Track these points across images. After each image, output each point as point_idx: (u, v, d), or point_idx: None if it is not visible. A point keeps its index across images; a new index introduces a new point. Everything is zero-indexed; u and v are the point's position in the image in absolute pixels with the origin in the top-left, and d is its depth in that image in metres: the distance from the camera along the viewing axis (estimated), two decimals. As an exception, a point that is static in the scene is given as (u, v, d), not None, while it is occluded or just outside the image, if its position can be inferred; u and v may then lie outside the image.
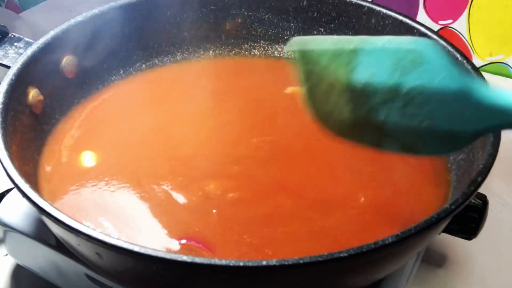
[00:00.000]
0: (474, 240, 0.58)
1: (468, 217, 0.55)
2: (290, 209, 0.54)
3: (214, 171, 0.58)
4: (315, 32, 0.75)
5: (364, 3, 0.70)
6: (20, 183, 0.46)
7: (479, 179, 0.47)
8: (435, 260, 0.64)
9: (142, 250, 0.39)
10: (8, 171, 0.47)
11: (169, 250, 0.49)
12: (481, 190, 0.47)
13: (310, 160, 0.60)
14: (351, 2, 0.71)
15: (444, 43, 0.62)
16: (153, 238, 0.51)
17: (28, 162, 0.57)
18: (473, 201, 0.54)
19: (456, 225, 0.54)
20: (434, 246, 0.64)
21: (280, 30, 0.76)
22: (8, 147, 0.50)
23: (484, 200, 0.56)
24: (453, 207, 0.44)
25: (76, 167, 0.59)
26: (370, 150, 0.48)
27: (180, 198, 0.54)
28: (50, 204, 0.43)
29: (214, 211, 0.53)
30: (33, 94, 0.60)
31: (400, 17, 0.67)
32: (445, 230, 0.54)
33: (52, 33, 0.64)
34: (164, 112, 0.66)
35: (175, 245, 0.50)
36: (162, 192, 0.55)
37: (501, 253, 0.65)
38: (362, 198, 0.56)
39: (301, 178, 0.58)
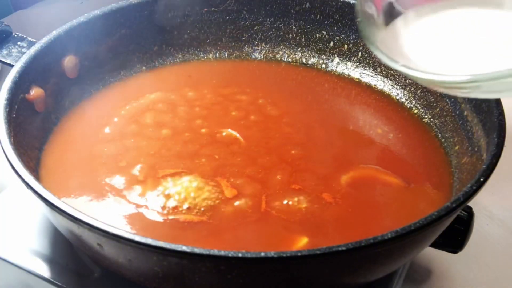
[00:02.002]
0: (459, 253, 0.56)
1: (453, 230, 0.54)
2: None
3: (215, 170, 0.58)
4: (317, 35, 0.75)
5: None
6: (28, 179, 0.46)
7: (482, 179, 0.47)
8: (420, 275, 0.61)
9: (143, 240, 0.39)
10: (15, 166, 0.48)
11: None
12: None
13: (306, 163, 0.60)
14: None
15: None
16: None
17: (30, 159, 0.57)
18: (458, 213, 0.52)
19: (441, 238, 0.52)
20: (418, 260, 0.62)
21: (282, 33, 0.76)
22: (12, 143, 0.51)
23: (469, 212, 0.55)
24: (454, 205, 0.44)
25: (77, 165, 0.59)
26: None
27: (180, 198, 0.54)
28: (58, 198, 0.44)
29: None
30: (35, 92, 0.60)
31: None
32: (430, 244, 0.53)
33: (54, 33, 0.65)
34: (163, 113, 0.66)
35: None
36: (164, 189, 0.55)
37: (487, 267, 0.63)
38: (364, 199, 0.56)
39: (301, 178, 0.58)
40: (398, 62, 0.46)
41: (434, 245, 0.54)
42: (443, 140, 0.63)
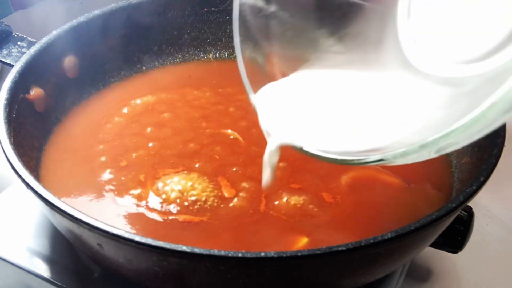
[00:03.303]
0: (459, 253, 0.57)
1: (453, 230, 0.54)
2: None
3: (215, 170, 0.58)
4: (316, 35, 0.75)
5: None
6: (28, 179, 0.46)
7: (482, 178, 0.47)
8: (420, 275, 0.62)
9: (143, 240, 0.39)
10: (15, 166, 0.48)
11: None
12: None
13: (306, 163, 0.59)
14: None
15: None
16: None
17: (30, 159, 0.57)
18: (458, 213, 0.53)
19: (441, 238, 0.52)
20: (418, 260, 0.63)
21: (281, 33, 0.76)
22: (12, 143, 0.51)
23: (470, 212, 0.55)
24: (454, 205, 0.44)
25: (77, 165, 0.59)
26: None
27: (180, 198, 0.54)
28: (58, 198, 0.44)
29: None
30: (35, 92, 0.61)
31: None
32: (430, 244, 0.53)
33: (54, 33, 0.65)
34: (164, 113, 0.66)
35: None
36: (164, 188, 0.55)
37: (487, 267, 0.63)
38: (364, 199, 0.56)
39: (301, 177, 0.57)
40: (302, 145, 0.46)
41: (434, 245, 0.54)
42: (443, 140, 0.63)
